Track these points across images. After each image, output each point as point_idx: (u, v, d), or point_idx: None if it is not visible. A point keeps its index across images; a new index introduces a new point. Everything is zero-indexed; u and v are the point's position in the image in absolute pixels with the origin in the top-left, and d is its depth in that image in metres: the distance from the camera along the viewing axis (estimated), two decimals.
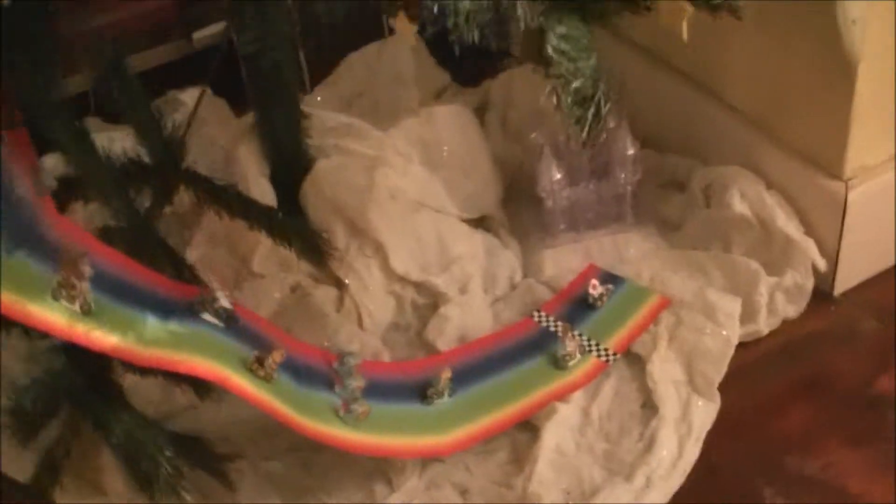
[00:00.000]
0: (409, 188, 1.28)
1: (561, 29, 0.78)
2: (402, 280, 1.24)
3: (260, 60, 1.17)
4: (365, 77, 1.51)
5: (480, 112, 1.46)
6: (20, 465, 1.03)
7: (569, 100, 0.77)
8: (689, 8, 0.79)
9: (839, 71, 1.12)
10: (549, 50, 0.77)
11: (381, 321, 1.22)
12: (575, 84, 0.76)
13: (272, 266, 1.25)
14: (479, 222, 1.34)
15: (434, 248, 1.26)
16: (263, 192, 1.25)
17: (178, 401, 1.11)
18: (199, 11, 1.67)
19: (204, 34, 1.67)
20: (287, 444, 1.12)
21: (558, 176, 1.27)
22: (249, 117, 1.33)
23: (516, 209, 1.37)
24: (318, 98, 1.50)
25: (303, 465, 1.10)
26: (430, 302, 1.24)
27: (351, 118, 1.33)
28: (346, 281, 1.22)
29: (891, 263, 1.26)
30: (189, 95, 1.48)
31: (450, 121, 1.35)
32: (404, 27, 0.95)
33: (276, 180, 1.26)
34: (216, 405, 1.06)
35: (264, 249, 1.24)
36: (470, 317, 1.22)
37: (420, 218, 1.27)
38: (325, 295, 1.22)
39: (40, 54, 1.02)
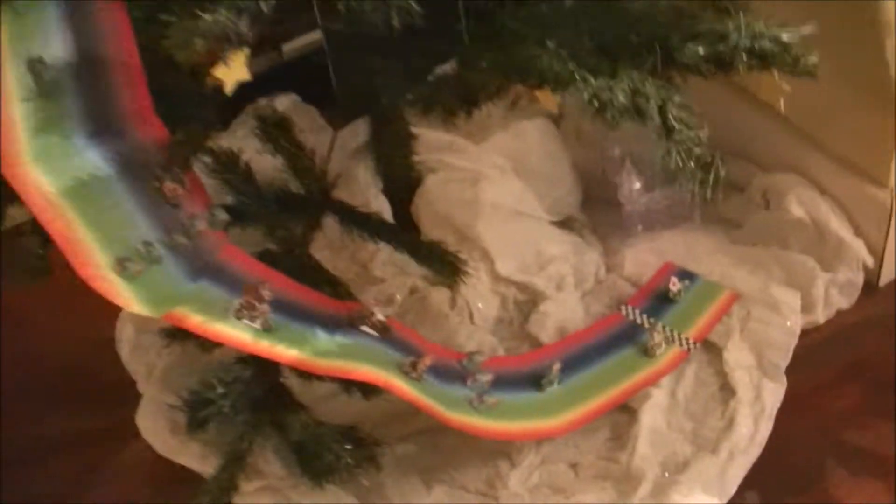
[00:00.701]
0: (506, 198, 1.46)
1: (678, 99, 0.96)
2: (506, 280, 1.42)
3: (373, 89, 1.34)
4: None
5: (555, 121, 1.64)
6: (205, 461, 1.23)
7: (692, 164, 0.94)
8: (788, 87, 0.96)
9: (883, 87, 1.29)
10: (671, 119, 0.94)
11: (488, 317, 1.41)
12: (697, 152, 0.94)
13: (391, 270, 1.44)
14: (564, 223, 1.52)
15: (531, 250, 1.44)
16: (381, 207, 1.43)
17: (316, 391, 1.29)
18: (288, 25, 1.84)
19: (293, 46, 1.83)
20: (415, 428, 1.31)
21: (638, 185, 1.46)
22: (349, 130, 1.51)
23: (596, 211, 1.55)
24: None
25: (433, 446, 1.29)
26: (530, 299, 1.43)
27: (451, 135, 1.51)
28: (458, 288, 1.41)
29: None
30: (279, 103, 1.66)
31: (536, 134, 1.53)
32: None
33: (390, 195, 1.44)
34: (349, 395, 1.25)
35: (384, 255, 1.43)
36: (566, 311, 1.40)
37: (517, 224, 1.45)
38: (440, 296, 1.41)
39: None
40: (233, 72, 0.98)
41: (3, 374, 1.45)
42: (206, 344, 1.17)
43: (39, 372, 1.49)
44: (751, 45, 1.00)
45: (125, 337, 1.46)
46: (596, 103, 0.94)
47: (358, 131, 1.52)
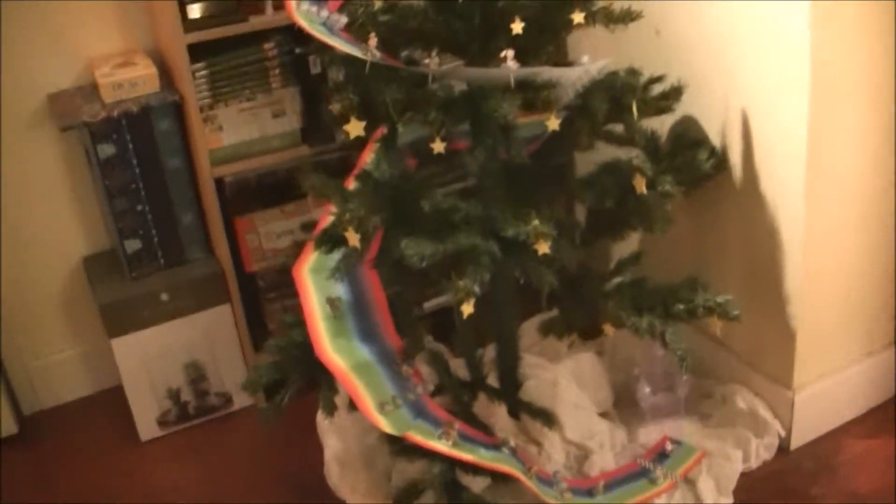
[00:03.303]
0: (571, 396, 2.49)
1: (671, 331, 2.02)
2: (570, 442, 2.43)
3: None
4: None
5: (598, 354, 2.68)
6: None
7: (680, 356, 1.99)
8: (719, 330, 2.03)
9: (786, 328, 2.34)
10: (671, 344, 2.00)
11: (558, 462, 2.40)
12: (681, 353, 1.99)
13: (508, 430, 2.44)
14: (604, 414, 2.54)
15: (585, 427, 2.45)
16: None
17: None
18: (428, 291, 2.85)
19: (430, 304, 2.84)
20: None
21: (648, 391, 2.49)
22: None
23: (622, 408, 2.58)
24: None
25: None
26: (583, 454, 2.43)
27: (537, 359, 2.56)
28: (542, 442, 2.41)
29: (821, 433, 2.46)
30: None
31: (588, 361, 2.58)
32: None
33: (506, 392, 2.46)
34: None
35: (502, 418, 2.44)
36: (605, 461, 2.40)
37: (577, 412, 2.47)
38: (532, 449, 2.41)
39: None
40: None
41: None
42: (415, 453, 2.17)
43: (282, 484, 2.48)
44: (704, 304, 2.07)
45: (333, 472, 2.45)
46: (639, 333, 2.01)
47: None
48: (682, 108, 2.27)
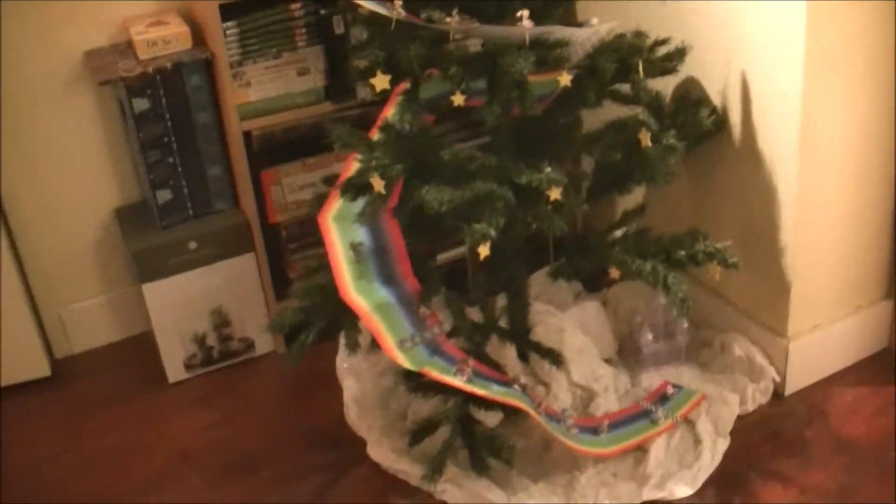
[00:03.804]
0: (576, 342, 2.63)
1: (673, 276, 2.16)
2: (576, 384, 2.57)
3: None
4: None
5: (603, 303, 2.82)
6: (413, 467, 2.36)
7: (681, 299, 2.13)
8: (718, 276, 2.17)
9: (781, 278, 2.48)
10: (672, 288, 2.14)
11: (564, 403, 2.55)
12: (681, 296, 2.13)
13: (518, 369, 2.58)
14: (608, 360, 2.68)
15: (590, 371, 2.60)
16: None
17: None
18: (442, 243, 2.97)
19: (444, 256, 2.98)
20: (539, 437, 2.43)
21: (650, 337, 2.63)
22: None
23: (625, 355, 2.72)
24: None
25: (544, 448, 2.41)
26: (589, 396, 2.57)
27: (544, 305, 2.70)
28: (550, 383, 2.56)
29: (815, 381, 2.61)
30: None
31: (593, 310, 2.72)
32: None
33: (516, 335, 2.60)
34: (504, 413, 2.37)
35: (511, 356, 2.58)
36: (609, 403, 2.55)
37: (582, 357, 2.61)
38: (541, 389, 2.56)
39: None
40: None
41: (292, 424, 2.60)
42: (430, 390, 2.32)
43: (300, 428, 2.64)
44: (705, 251, 2.21)
45: (352, 411, 2.60)
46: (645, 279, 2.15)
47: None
48: (686, 69, 2.39)
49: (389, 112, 2.21)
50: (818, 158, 2.33)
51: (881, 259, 2.60)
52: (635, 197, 2.65)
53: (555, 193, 2.01)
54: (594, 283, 2.86)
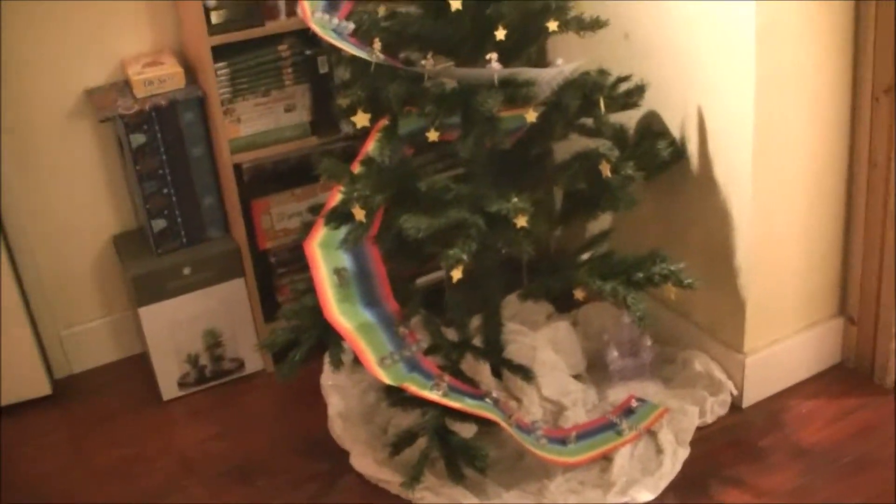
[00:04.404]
0: (548, 359, 2.80)
1: (636, 298, 2.34)
2: (546, 399, 2.75)
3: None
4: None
5: (573, 324, 3.00)
6: (395, 475, 2.53)
7: (639, 317, 2.31)
8: (673, 295, 2.35)
9: (737, 299, 2.67)
10: (632, 307, 2.32)
11: (535, 416, 2.72)
12: (640, 314, 2.31)
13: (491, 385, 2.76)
14: (577, 377, 2.86)
15: (560, 386, 2.77)
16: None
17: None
18: (422, 269, 3.17)
19: (424, 280, 3.15)
20: (511, 449, 2.61)
21: (616, 355, 2.81)
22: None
23: (594, 371, 2.90)
24: None
25: (517, 459, 2.59)
26: (559, 410, 2.75)
27: (518, 325, 2.88)
28: (522, 398, 2.73)
29: (771, 394, 2.79)
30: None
31: (563, 330, 2.89)
32: None
33: (490, 353, 2.77)
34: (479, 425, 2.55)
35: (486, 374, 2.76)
36: (578, 416, 2.72)
37: (553, 373, 2.78)
38: (513, 404, 2.73)
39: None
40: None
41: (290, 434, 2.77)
42: (410, 405, 2.49)
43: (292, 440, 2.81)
44: (660, 273, 2.40)
45: (336, 425, 2.77)
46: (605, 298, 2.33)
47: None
48: (648, 103, 2.60)
49: (370, 146, 2.39)
50: (769, 184, 2.52)
51: (832, 278, 2.78)
52: (604, 222, 2.84)
53: (521, 221, 2.19)
54: (565, 304, 3.03)
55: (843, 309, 2.83)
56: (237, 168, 2.88)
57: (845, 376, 2.83)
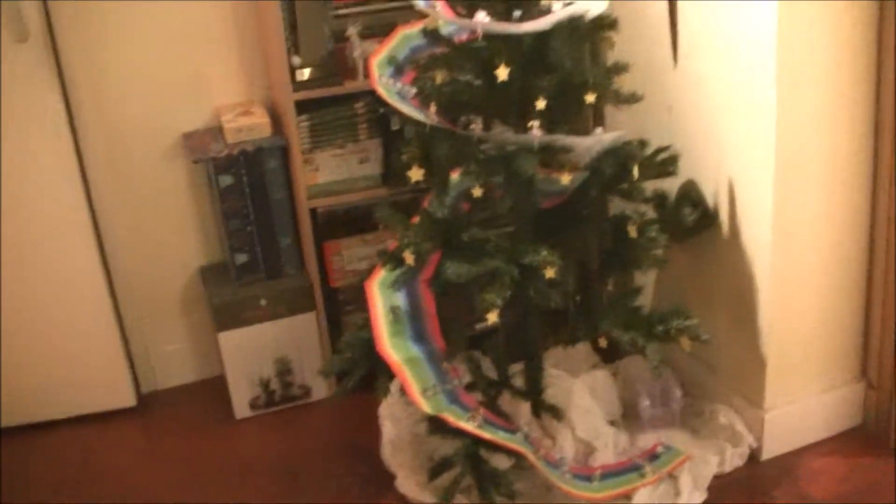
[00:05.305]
0: (584, 403, 3.04)
1: (655, 351, 2.57)
2: (579, 439, 2.98)
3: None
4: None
5: (613, 374, 3.23)
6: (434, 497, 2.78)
7: (654, 367, 2.54)
8: (688, 348, 2.58)
9: (757, 357, 2.87)
10: (649, 357, 2.55)
11: (569, 456, 2.95)
12: (655, 364, 2.54)
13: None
14: (612, 422, 3.08)
15: (594, 428, 3.00)
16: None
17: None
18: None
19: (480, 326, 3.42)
20: (540, 481, 2.84)
21: (647, 403, 3.04)
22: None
23: (627, 417, 3.12)
24: None
25: (545, 491, 2.82)
26: (590, 450, 2.98)
27: (558, 371, 3.12)
28: (556, 436, 2.97)
29: (789, 450, 2.98)
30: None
31: (601, 377, 3.13)
32: None
33: (529, 393, 3.02)
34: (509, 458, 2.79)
35: (525, 412, 3.00)
36: (608, 457, 2.95)
37: (588, 416, 3.02)
38: (548, 442, 2.97)
39: None
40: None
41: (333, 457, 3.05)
42: (449, 434, 2.74)
43: (346, 459, 3.08)
44: (677, 327, 2.63)
45: (387, 450, 3.04)
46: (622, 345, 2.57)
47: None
48: (688, 172, 2.85)
49: (429, 199, 2.67)
50: (789, 251, 2.72)
51: (855, 342, 2.96)
52: (649, 274, 3.08)
53: (549, 272, 2.44)
54: (609, 356, 3.26)
55: (864, 373, 3.00)
56: (313, 212, 3.18)
57: (864, 438, 2.99)
